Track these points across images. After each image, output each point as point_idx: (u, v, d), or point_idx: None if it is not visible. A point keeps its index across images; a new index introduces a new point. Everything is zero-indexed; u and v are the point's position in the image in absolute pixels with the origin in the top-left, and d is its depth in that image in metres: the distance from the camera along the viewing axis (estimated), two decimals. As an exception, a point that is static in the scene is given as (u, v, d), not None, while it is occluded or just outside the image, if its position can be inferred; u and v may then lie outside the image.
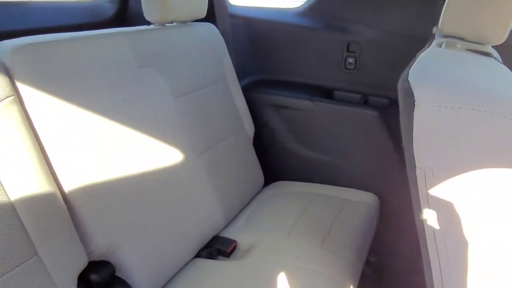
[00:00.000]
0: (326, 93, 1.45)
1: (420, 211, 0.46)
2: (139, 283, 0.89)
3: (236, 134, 1.30)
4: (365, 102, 1.40)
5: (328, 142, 1.40)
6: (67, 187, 0.78)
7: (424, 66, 0.47)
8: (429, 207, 0.45)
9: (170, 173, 1.01)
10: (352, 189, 1.34)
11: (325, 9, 1.40)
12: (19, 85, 0.75)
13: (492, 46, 0.84)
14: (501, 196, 0.41)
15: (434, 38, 0.88)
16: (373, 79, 1.36)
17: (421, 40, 0.99)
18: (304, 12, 1.44)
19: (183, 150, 1.06)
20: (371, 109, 1.30)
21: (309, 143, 1.44)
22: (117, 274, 0.89)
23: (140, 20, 1.21)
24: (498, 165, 0.39)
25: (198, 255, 1.06)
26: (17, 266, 0.67)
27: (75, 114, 0.82)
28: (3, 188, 0.67)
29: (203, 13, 1.24)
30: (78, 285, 0.79)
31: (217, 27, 1.34)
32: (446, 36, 0.85)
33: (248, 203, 1.31)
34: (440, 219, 0.45)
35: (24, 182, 0.70)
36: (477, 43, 0.78)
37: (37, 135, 0.77)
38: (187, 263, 1.02)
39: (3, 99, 0.71)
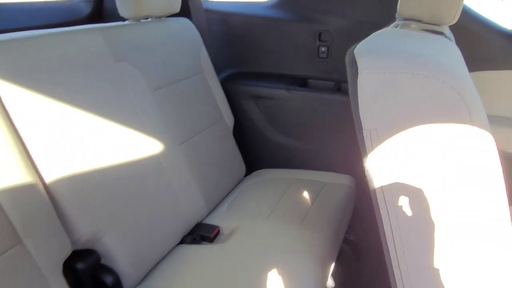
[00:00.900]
0: (301, 82, 1.49)
1: (369, 171, 0.50)
2: (124, 270, 0.92)
3: (216, 125, 1.34)
4: (338, 89, 1.45)
5: (305, 129, 1.44)
6: (48, 178, 0.81)
7: (370, 41, 0.51)
8: (375, 166, 0.49)
9: (151, 163, 1.04)
10: (330, 173, 1.39)
11: (296, 0, 1.44)
12: (-4, 80, 0.77)
13: (450, 28, 0.89)
14: (436, 149, 0.46)
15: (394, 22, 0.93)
16: (344, 67, 1.41)
17: (386, 26, 1.04)
18: (277, 5, 1.48)
19: (163, 141, 1.09)
20: (344, 95, 1.35)
21: (287, 131, 1.48)
22: (102, 262, 0.92)
23: (115, 18, 1.23)
24: (431, 121, 0.44)
25: (182, 241, 1.09)
26: (2, 253, 0.69)
27: (53, 108, 0.85)
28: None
29: (177, 8, 1.27)
30: (64, 273, 0.82)
31: (192, 22, 1.37)
32: (406, 20, 0.90)
33: (230, 191, 1.35)
34: (385, 176, 0.50)
35: (5, 174, 0.72)
36: (433, 24, 0.83)
37: (16, 129, 0.79)
38: (171, 249, 1.06)
39: (-20, 94, 0.73)
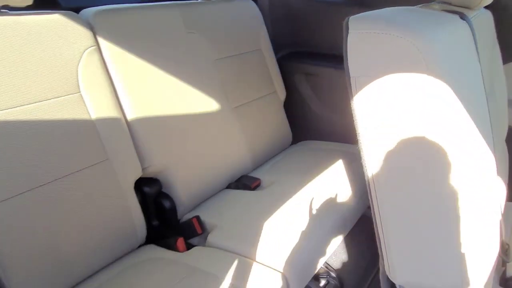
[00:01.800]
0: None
1: (354, 112, 0.64)
2: (180, 199, 1.15)
3: (268, 96, 1.52)
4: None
5: (348, 106, 1.56)
6: (129, 116, 1.05)
7: (370, 12, 0.64)
8: (358, 108, 0.63)
9: (210, 118, 1.26)
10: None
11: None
12: (99, 39, 1.03)
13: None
14: (399, 96, 0.59)
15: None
16: None
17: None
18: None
19: (220, 102, 1.31)
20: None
21: (332, 106, 1.61)
22: (163, 190, 1.16)
23: None
24: (396, 71, 0.57)
25: (228, 187, 1.30)
26: (94, 164, 0.95)
27: (138, 65, 1.09)
28: (87, 110, 0.95)
29: (244, -9, 1.47)
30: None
31: (256, 4, 1.56)
32: (441, 2, 0.99)
33: (276, 155, 1.53)
34: (365, 119, 0.64)
35: (100, 107, 0.98)
36: (461, 6, 0.92)
37: (111, 78, 1.04)
38: (218, 192, 1.27)
39: (88, 48, 0.99)
